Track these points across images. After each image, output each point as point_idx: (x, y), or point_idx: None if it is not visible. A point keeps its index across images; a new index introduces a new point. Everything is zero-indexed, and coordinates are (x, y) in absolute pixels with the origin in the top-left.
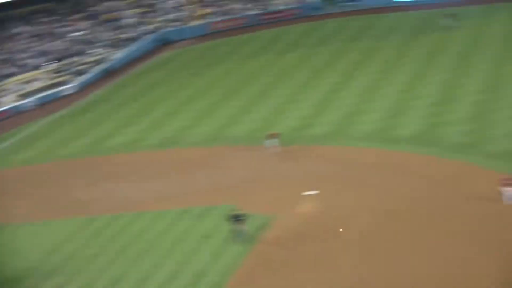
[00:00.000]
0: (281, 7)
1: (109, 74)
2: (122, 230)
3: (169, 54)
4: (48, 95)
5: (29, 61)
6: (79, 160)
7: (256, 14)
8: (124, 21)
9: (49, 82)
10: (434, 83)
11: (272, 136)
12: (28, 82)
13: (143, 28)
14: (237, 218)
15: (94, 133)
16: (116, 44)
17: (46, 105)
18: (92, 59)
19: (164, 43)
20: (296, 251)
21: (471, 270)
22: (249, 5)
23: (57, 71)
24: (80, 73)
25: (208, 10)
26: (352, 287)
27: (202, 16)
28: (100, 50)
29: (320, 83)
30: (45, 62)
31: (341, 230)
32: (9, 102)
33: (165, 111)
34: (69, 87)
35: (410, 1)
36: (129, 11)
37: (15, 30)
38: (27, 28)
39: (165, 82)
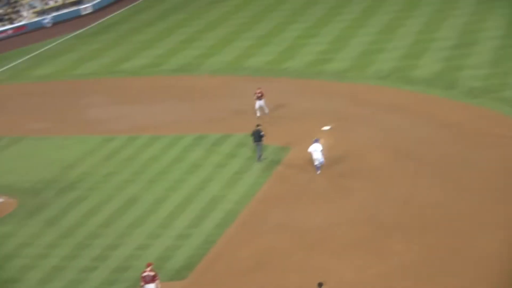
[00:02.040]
0: None
1: None
2: (138, 152)
3: None
4: (65, 13)
5: None
6: (95, 80)
7: None
8: None
9: (67, 1)
10: (454, 25)
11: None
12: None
13: None
14: (259, 135)
15: (111, 55)
16: None
17: (62, 24)
18: None
19: None
20: (309, 183)
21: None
22: None
23: None
24: None
25: None
26: (365, 218)
27: None
28: None
29: (338, 19)
30: None
31: None
32: (27, 18)
33: (182, 38)
34: (86, 7)
35: None
36: None
37: None
38: None
39: (184, 8)
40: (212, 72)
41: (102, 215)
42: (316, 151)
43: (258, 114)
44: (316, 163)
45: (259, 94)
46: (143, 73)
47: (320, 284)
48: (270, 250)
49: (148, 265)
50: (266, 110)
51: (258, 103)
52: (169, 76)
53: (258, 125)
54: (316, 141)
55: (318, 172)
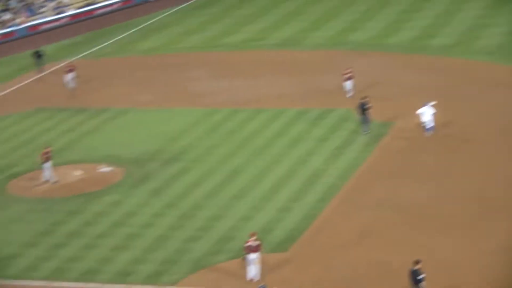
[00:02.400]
0: None
1: None
2: (241, 125)
3: None
4: None
5: None
6: (199, 53)
7: None
8: None
9: None
10: None
11: None
12: None
13: None
14: (364, 107)
15: (214, 29)
16: None
17: None
18: None
19: None
20: (414, 158)
21: None
22: None
23: None
24: None
25: None
26: (471, 195)
27: None
28: None
29: None
30: None
31: None
32: None
33: (285, 12)
34: None
35: None
36: None
37: None
38: None
39: None
40: (315, 46)
41: (205, 187)
42: (426, 113)
43: (349, 94)
44: (425, 125)
45: (349, 75)
46: (246, 47)
47: (417, 262)
48: (371, 226)
49: (252, 235)
50: (352, 93)
51: (347, 83)
52: (271, 50)
53: (364, 97)
54: (426, 104)
55: (427, 134)
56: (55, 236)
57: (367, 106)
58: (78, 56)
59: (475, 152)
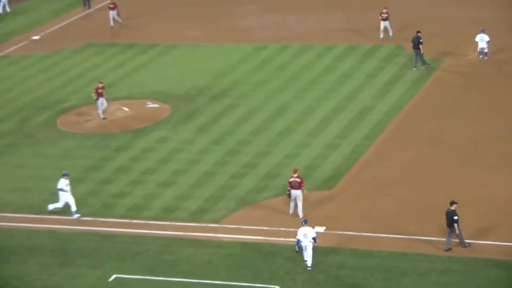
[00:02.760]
0: None
1: None
2: (289, 61)
3: None
4: None
5: None
6: None
7: None
8: None
9: None
10: None
11: None
12: None
13: None
14: (418, 41)
15: None
16: None
17: None
18: None
19: None
20: (462, 95)
21: None
22: None
23: None
24: None
25: None
26: None
27: None
28: None
29: None
30: None
31: None
32: None
33: None
34: None
35: None
36: None
37: None
38: None
39: None
40: None
41: (252, 123)
42: (482, 40)
43: (382, 36)
44: (480, 51)
45: (386, 15)
46: None
47: (453, 203)
48: (418, 163)
49: (295, 171)
50: (391, 33)
51: (383, 24)
52: None
53: (418, 32)
54: (483, 31)
55: (482, 57)
56: (102, 172)
57: (421, 40)
58: None
59: None
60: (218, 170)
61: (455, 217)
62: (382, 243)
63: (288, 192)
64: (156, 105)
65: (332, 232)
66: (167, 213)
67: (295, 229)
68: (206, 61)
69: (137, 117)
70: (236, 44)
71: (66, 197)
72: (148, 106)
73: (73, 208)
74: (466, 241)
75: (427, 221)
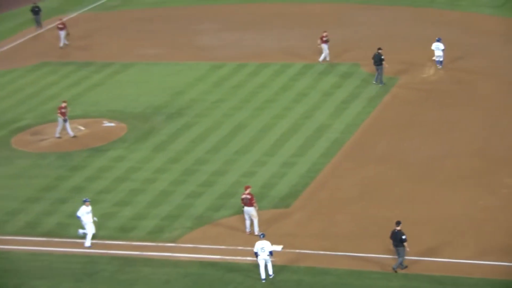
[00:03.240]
0: None
1: None
2: (246, 79)
3: None
4: None
5: None
6: (206, 6)
7: None
8: None
9: None
10: None
11: None
12: None
13: None
14: (379, 58)
15: None
16: None
17: None
18: None
19: None
20: (417, 113)
21: None
22: None
23: None
24: None
25: None
26: (475, 150)
27: None
28: None
29: None
30: None
31: None
32: None
33: None
34: None
35: None
36: None
37: None
38: None
39: None
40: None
41: (209, 142)
42: (438, 48)
43: (322, 58)
44: (436, 59)
45: (326, 38)
46: (254, 0)
47: (398, 223)
48: (375, 181)
49: (246, 188)
50: (322, 57)
51: (324, 46)
52: (278, 3)
53: (379, 49)
54: (439, 40)
55: (438, 67)
56: (58, 191)
57: (382, 57)
58: (84, 9)
59: (479, 105)
60: (175, 189)
61: (404, 236)
62: (338, 261)
63: (242, 209)
64: (113, 124)
65: (289, 250)
66: (124, 232)
67: (252, 248)
68: (163, 80)
69: (93, 136)
70: (193, 63)
71: (88, 225)
72: (104, 125)
73: (87, 242)
74: (420, 258)
75: (383, 239)
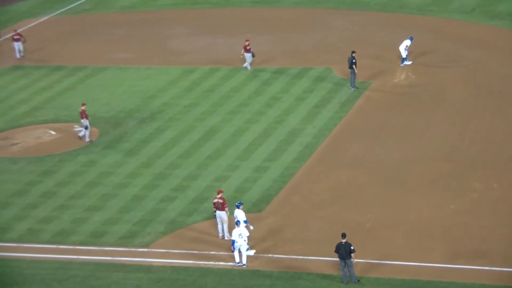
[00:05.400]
0: None
1: None
2: (218, 84)
3: None
4: None
5: None
6: (178, 11)
7: None
8: None
9: None
10: None
11: None
12: None
13: None
14: (352, 61)
15: None
16: None
17: None
18: None
19: None
20: (389, 118)
21: None
22: None
23: None
24: None
25: None
26: (445, 154)
27: None
28: None
29: None
30: None
31: None
32: None
33: None
34: None
35: None
36: None
37: None
38: None
39: None
40: (294, 4)
41: (181, 146)
42: (402, 46)
43: (245, 64)
44: (403, 58)
45: (249, 47)
46: (226, 5)
47: (344, 235)
48: (347, 185)
49: (219, 192)
50: (245, 64)
51: (246, 55)
52: (251, 8)
53: (353, 52)
54: (411, 39)
55: (402, 64)
56: (28, 196)
57: (354, 61)
58: (56, 12)
59: (449, 110)
60: (147, 193)
61: (352, 247)
62: (311, 265)
63: (214, 214)
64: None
65: (262, 255)
66: (95, 238)
67: (225, 253)
68: (134, 84)
69: (64, 140)
70: (165, 67)
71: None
72: (76, 129)
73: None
74: (391, 262)
75: (356, 243)
